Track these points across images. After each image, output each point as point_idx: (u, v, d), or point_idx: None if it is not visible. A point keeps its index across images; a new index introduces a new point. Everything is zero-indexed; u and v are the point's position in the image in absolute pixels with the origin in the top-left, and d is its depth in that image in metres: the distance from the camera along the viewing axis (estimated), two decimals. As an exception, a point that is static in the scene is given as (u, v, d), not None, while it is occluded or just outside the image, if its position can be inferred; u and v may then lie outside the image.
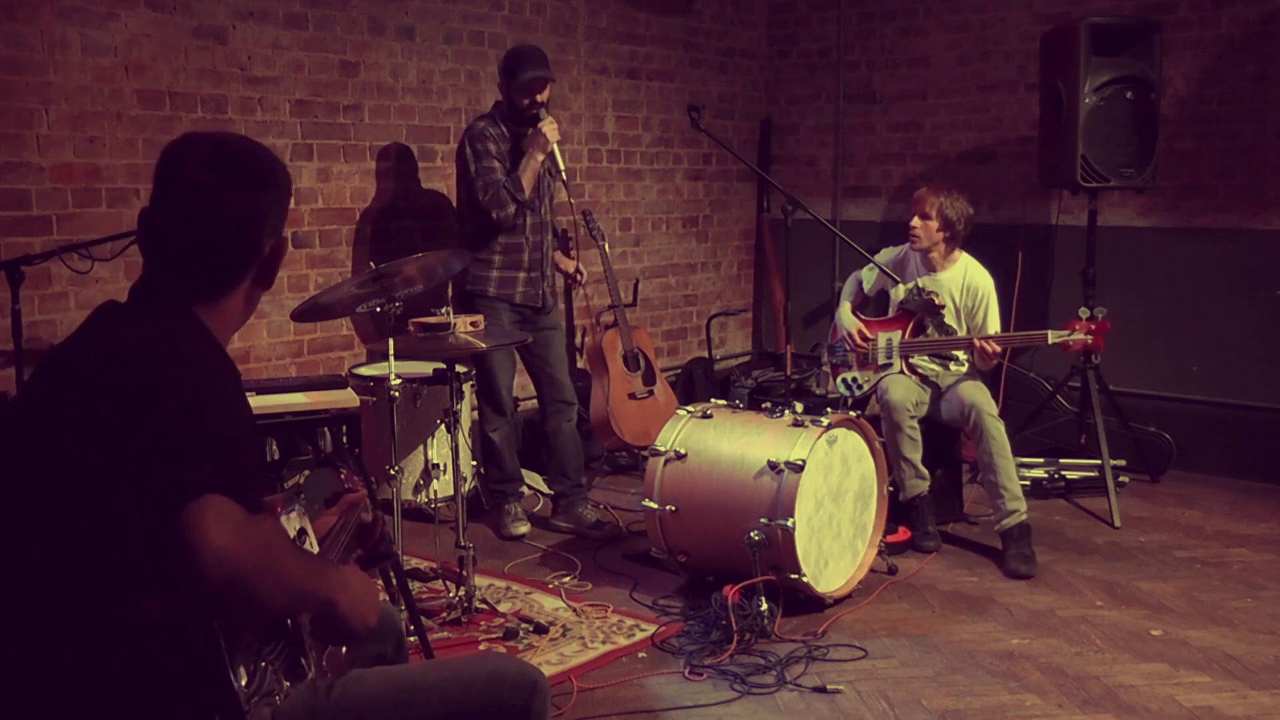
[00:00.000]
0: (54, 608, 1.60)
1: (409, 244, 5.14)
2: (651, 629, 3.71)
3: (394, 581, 3.31)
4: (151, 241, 1.81)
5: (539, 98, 4.43)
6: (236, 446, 1.63)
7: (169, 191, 1.81)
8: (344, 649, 1.95)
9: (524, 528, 4.61)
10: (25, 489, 1.62)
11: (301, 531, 1.94)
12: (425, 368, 4.58)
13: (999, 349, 4.43)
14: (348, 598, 1.74)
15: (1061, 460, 5.27)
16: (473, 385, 4.69)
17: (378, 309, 3.57)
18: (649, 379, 5.38)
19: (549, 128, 4.37)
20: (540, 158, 4.41)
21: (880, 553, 4.15)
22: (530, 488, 5.11)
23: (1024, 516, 4.30)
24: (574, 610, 3.86)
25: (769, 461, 3.75)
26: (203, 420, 1.59)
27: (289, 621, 1.78)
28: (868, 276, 4.85)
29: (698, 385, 6.33)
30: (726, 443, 3.91)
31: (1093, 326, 4.42)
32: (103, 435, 1.57)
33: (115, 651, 1.58)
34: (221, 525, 1.51)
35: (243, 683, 1.58)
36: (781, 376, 5.65)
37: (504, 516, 4.66)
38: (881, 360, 4.66)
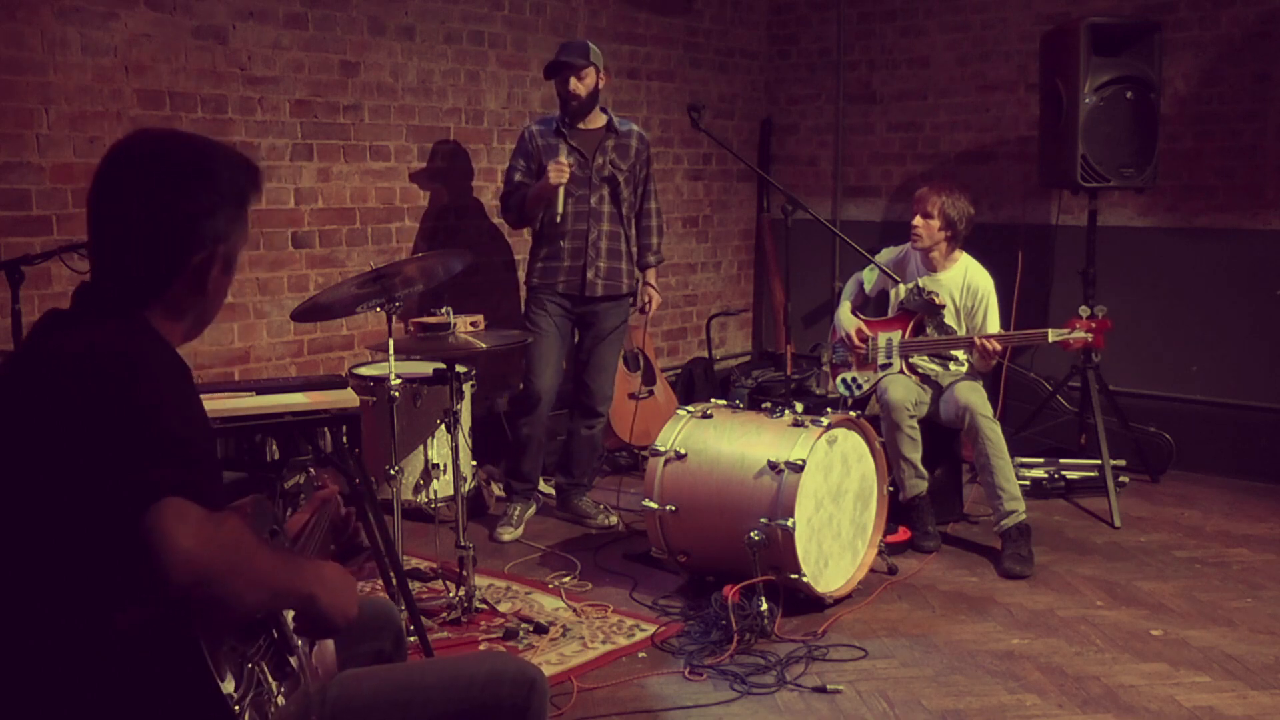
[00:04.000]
0: (33, 624, 1.58)
1: (409, 244, 5.14)
2: (651, 629, 3.71)
3: (394, 581, 3.31)
4: (90, 237, 1.78)
5: (570, 88, 4.51)
6: (194, 447, 1.60)
7: (103, 182, 1.77)
8: (331, 645, 1.95)
9: (508, 535, 4.58)
10: None
11: (274, 531, 1.93)
12: (425, 368, 4.58)
13: (999, 348, 4.43)
14: (325, 590, 1.71)
15: (1061, 460, 5.27)
16: (472, 385, 4.70)
17: (378, 309, 3.58)
18: (649, 379, 5.38)
19: (554, 172, 4.41)
20: (548, 190, 4.46)
21: (880, 553, 4.15)
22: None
23: (1023, 517, 4.30)
24: (574, 610, 3.86)
25: (769, 461, 3.75)
26: (159, 422, 1.56)
27: (272, 622, 1.77)
28: (868, 277, 4.85)
29: (698, 385, 6.33)
30: (726, 443, 3.91)
31: (1093, 325, 4.42)
32: (60, 444, 1.54)
33: (99, 667, 1.56)
34: (183, 527, 1.48)
35: (231, 688, 1.57)
36: (781, 376, 5.65)
37: (501, 516, 4.66)
38: (881, 360, 4.66)
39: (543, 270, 4.64)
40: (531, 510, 4.77)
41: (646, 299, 4.93)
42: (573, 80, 4.50)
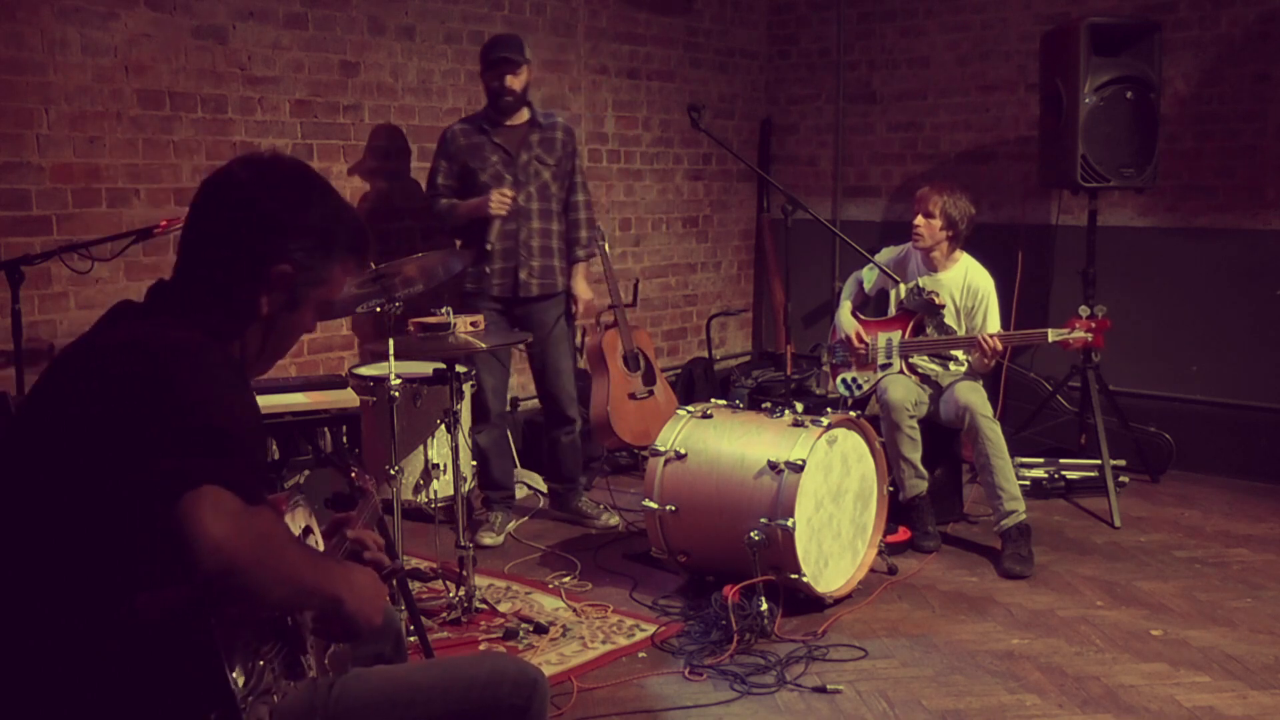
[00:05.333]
0: (56, 605, 1.60)
1: (409, 244, 5.14)
2: (651, 629, 3.71)
3: (394, 582, 3.31)
4: (181, 240, 1.81)
5: (508, 83, 4.47)
6: (239, 441, 1.62)
7: (216, 175, 1.80)
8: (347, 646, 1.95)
9: (490, 540, 4.55)
10: (33, 484, 1.62)
11: (307, 529, 1.94)
12: (425, 368, 4.58)
13: (1000, 347, 4.43)
14: (353, 596, 1.72)
15: (1061, 460, 5.27)
16: (472, 385, 4.69)
17: (378, 309, 3.57)
18: (649, 379, 5.38)
19: (496, 202, 4.38)
20: (483, 214, 4.42)
21: (880, 553, 4.15)
22: (530, 487, 5.11)
23: (1023, 517, 4.30)
24: (574, 610, 3.86)
25: (769, 461, 3.75)
26: (205, 412, 1.59)
27: (289, 620, 1.78)
28: (868, 276, 4.85)
29: (698, 385, 6.33)
30: (726, 443, 3.91)
31: (1093, 325, 4.42)
32: (106, 427, 1.57)
33: (112, 650, 1.58)
34: (218, 515, 1.50)
35: (240, 681, 1.58)
36: (781, 376, 5.65)
37: (481, 523, 4.65)
38: (881, 360, 4.66)
39: (475, 275, 4.55)
40: (513, 522, 4.74)
41: (574, 298, 4.83)
42: (509, 77, 4.47)
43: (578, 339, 5.54)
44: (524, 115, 4.60)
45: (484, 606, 3.83)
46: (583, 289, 4.84)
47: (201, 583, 1.50)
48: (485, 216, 4.43)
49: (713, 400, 4.24)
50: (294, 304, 1.81)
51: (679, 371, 6.43)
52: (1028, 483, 5.04)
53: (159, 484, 1.52)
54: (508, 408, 5.07)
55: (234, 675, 1.57)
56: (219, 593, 1.52)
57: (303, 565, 1.65)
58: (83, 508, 1.58)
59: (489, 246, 4.44)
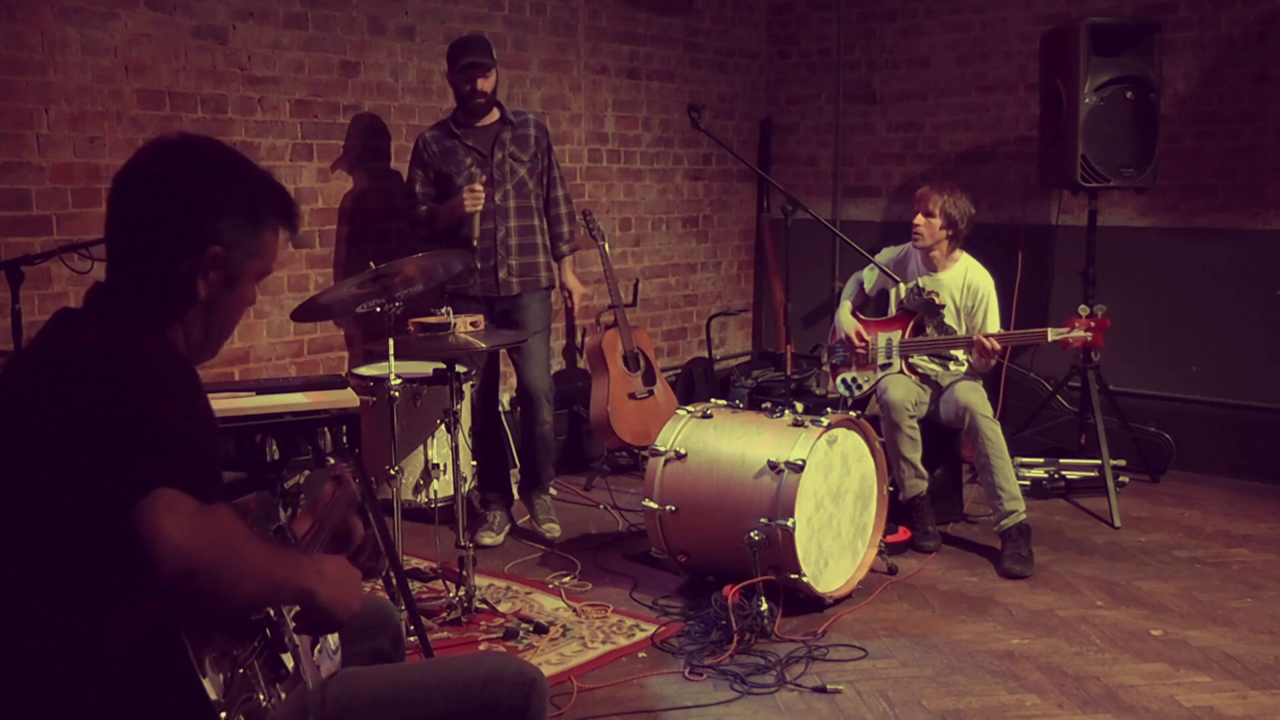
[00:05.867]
0: (24, 625, 1.58)
1: (409, 244, 5.13)
2: (651, 629, 3.71)
3: (394, 581, 3.31)
4: (105, 226, 1.78)
5: (479, 86, 4.48)
6: (192, 443, 1.60)
7: (127, 168, 1.77)
8: (334, 643, 1.94)
9: (489, 539, 4.55)
10: None
11: (279, 528, 1.93)
12: (425, 368, 4.58)
13: (999, 347, 4.43)
14: (325, 585, 1.69)
15: (1061, 460, 5.27)
16: (473, 385, 4.70)
17: (378, 309, 3.57)
18: (649, 379, 5.38)
19: (469, 200, 4.40)
20: (460, 213, 4.45)
21: (880, 553, 4.15)
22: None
23: (1023, 517, 4.30)
24: (574, 610, 3.86)
25: (769, 461, 3.75)
26: (153, 416, 1.56)
27: (265, 620, 1.75)
28: (869, 276, 4.85)
29: (698, 385, 6.33)
30: (726, 443, 3.91)
31: (1092, 324, 4.42)
32: (58, 441, 1.55)
33: (85, 669, 1.55)
34: (172, 518, 1.48)
35: (217, 692, 1.55)
36: (781, 376, 5.65)
37: (481, 523, 4.65)
38: (881, 360, 4.66)
39: (456, 276, 4.50)
40: (499, 517, 4.72)
41: (567, 293, 4.85)
42: (479, 80, 4.47)
43: (578, 339, 5.54)
44: (494, 115, 4.61)
45: (484, 606, 3.83)
46: (574, 282, 4.86)
47: (164, 587, 1.48)
48: (463, 216, 4.46)
49: (713, 400, 4.24)
50: (232, 281, 1.79)
51: (679, 371, 6.43)
52: (1028, 483, 5.04)
53: (115, 491, 1.50)
54: (505, 408, 5.07)
55: (210, 686, 1.54)
56: (183, 596, 1.50)
57: (267, 560, 1.63)
58: (46, 524, 1.56)
59: (475, 243, 4.46)
